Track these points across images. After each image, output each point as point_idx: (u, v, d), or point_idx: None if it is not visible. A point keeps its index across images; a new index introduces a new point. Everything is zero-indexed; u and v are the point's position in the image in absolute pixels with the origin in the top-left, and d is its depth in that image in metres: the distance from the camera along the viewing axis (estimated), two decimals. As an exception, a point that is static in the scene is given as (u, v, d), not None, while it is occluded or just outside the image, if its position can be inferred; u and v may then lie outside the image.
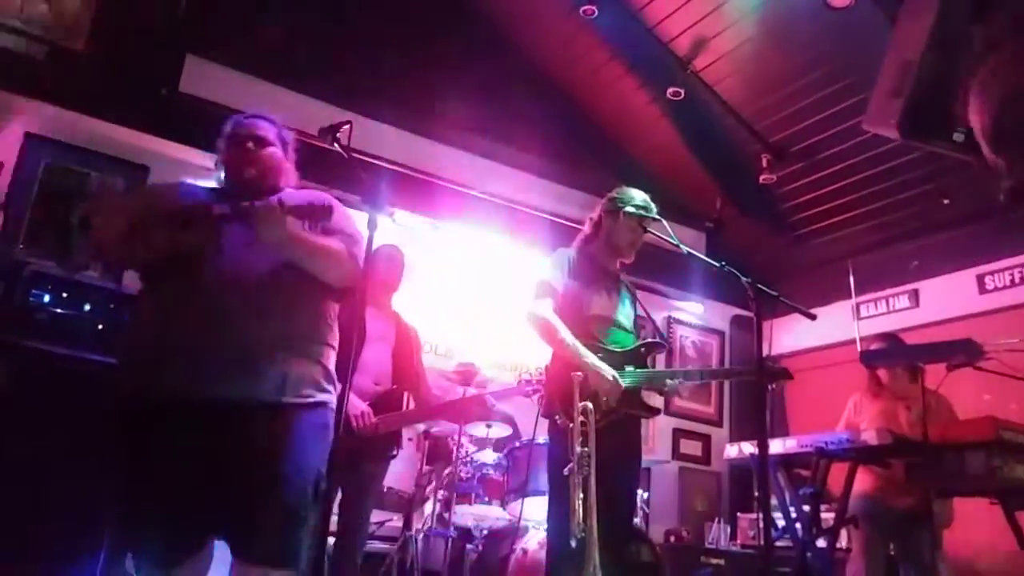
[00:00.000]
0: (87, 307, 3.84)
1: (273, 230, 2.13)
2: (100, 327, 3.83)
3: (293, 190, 2.44)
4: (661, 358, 5.98)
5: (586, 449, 2.77)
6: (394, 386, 3.69)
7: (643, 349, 3.34)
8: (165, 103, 4.66)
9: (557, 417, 3.05)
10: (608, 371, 3.10)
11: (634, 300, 3.52)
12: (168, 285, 2.19)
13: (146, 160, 4.74)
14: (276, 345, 2.13)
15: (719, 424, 6.86)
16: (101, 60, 4.46)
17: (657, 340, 3.47)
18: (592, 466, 2.75)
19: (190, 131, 4.64)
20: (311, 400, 2.17)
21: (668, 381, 3.33)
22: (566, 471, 2.76)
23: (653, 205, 3.44)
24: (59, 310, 3.77)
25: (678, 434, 6.58)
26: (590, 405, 2.84)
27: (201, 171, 3.91)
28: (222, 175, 2.43)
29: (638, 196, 3.44)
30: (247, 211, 2.21)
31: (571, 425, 2.80)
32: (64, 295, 3.80)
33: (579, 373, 2.93)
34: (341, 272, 2.30)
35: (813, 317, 2.95)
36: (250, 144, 2.37)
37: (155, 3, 4.71)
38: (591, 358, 3.10)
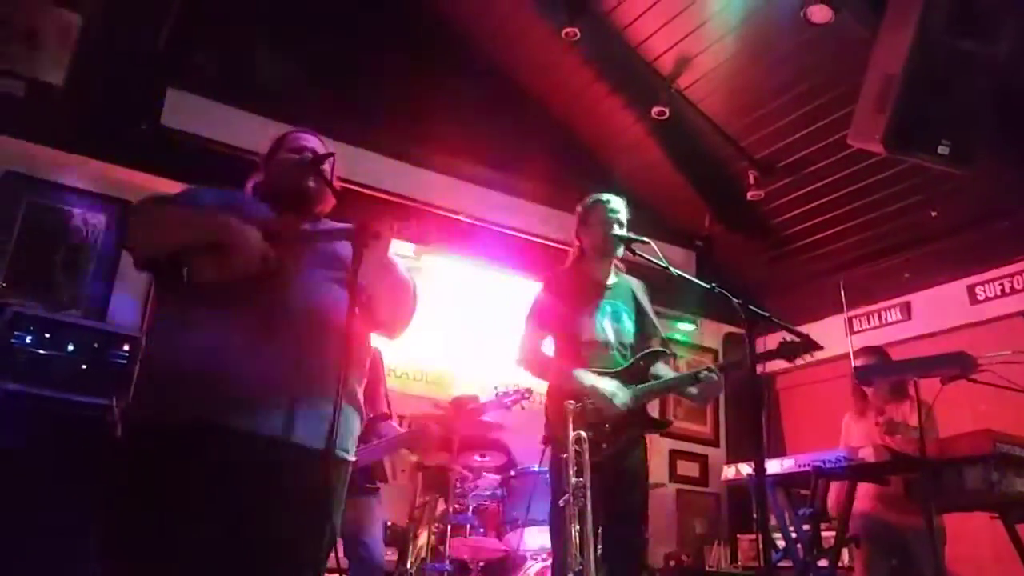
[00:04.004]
0: (70, 347, 3.79)
1: (379, 255, 1.98)
2: (84, 367, 3.78)
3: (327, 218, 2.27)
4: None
5: (581, 479, 2.71)
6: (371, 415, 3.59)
7: (642, 363, 3.21)
8: (146, 137, 4.61)
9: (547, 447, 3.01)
10: (609, 387, 3.01)
11: (633, 306, 3.38)
12: (237, 308, 1.91)
13: (129, 195, 4.65)
14: (335, 390, 1.81)
15: (716, 444, 6.80)
16: (81, 95, 4.41)
17: (658, 349, 3.31)
18: (588, 497, 2.69)
19: (173, 165, 4.60)
20: (348, 458, 2.02)
21: (704, 373, 3.15)
22: (561, 502, 2.70)
23: (616, 198, 3.40)
24: (42, 351, 3.72)
25: (675, 455, 6.51)
26: (584, 434, 2.79)
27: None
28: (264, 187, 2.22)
29: (602, 195, 3.41)
30: (328, 233, 2.07)
31: (565, 455, 2.75)
32: (47, 335, 3.76)
33: (571, 402, 2.87)
34: (409, 311, 2.19)
35: (804, 337, 2.91)
36: (309, 155, 2.22)
37: (134, 36, 4.67)
38: (589, 378, 3.03)
